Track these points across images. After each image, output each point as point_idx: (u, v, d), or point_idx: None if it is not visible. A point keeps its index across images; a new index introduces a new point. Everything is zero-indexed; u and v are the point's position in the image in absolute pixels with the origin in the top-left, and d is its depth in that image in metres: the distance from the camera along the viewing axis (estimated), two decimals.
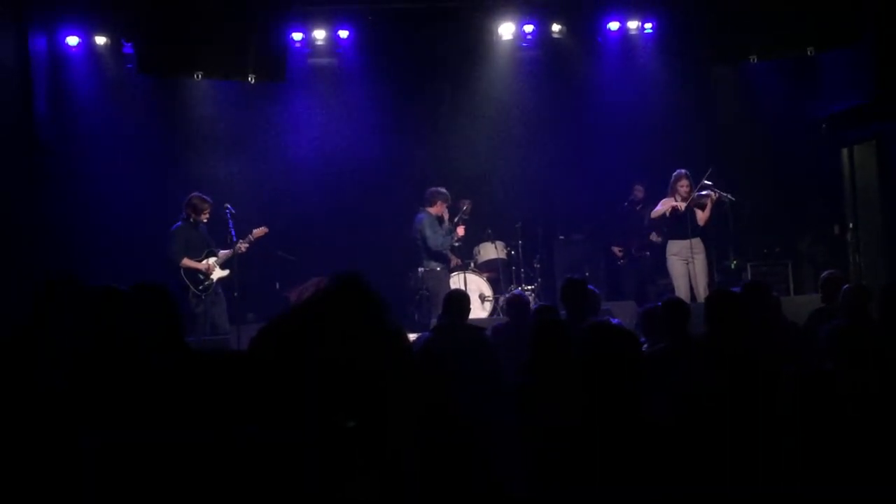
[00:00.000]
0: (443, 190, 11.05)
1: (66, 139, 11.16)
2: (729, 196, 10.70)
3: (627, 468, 3.27)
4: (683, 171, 10.81)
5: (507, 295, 9.10)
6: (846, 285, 6.94)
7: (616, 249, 12.02)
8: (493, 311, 11.06)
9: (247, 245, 10.17)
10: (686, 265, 10.81)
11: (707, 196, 10.69)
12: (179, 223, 10.04)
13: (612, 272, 12.23)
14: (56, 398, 3.61)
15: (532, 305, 8.70)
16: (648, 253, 11.84)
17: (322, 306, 2.12)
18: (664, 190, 11.17)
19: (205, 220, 10.10)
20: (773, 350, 5.48)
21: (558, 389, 4.07)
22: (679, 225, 10.77)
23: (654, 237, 11.60)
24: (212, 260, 10.05)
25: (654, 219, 11.12)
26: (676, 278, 10.92)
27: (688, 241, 10.72)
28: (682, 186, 10.74)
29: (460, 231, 11.10)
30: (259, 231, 10.34)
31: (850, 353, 4.23)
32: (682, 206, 10.72)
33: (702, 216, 10.76)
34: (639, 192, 11.92)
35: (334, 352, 2.04)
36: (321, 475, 2.03)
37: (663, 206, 10.80)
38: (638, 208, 11.90)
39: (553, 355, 4.64)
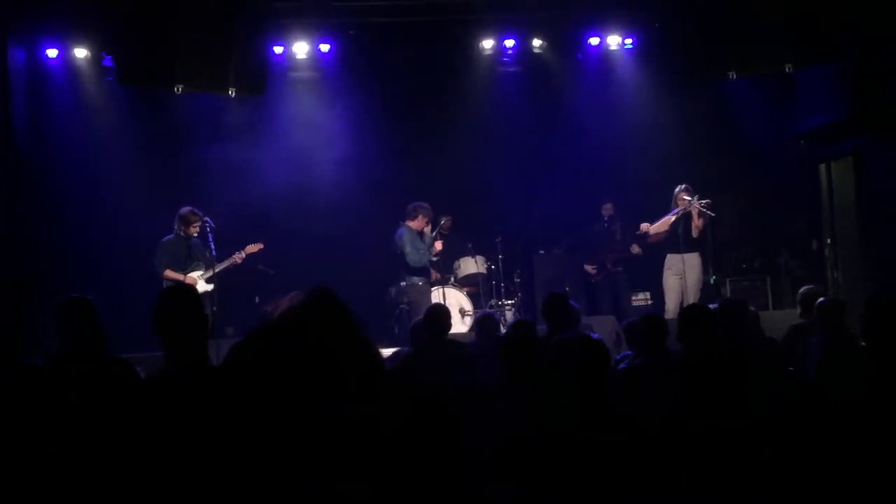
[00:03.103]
0: (425, 204, 11.08)
1: (45, 151, 11.10)
2: (706, 210, 10.79)
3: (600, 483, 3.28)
4: (683, 185, 10.96)
5: (476, 315, 9.15)
6: (821, 299, 6.96)
7: (589, 268, 12.00)
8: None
9: (242, 258, 10.20)
10: (679, 280, 10.89)
11: (689, 203, 10.80)
12: (171, 235, 10.06)
13: (587, 288, 12.25)
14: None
15: (511, 319, 8.72)
16: (621, 269, 11.89)
17: (295, 320, 2.13)
18: (638, 206, 11.29)
19: (194, 234, 10.08)
20: (751, 365, 5.50)
21: (531, 404, 4.06)
22: (673, 239, 10.89)
23: (634, 249, 11.65)
24: (196, 274, 10.02)
25: (657, 235, 11.20)
26: (667, 293, 11.02)
27: (680, 255, 10.82)
28: (681, 200, 10.88)
29: (438, 246, 11.12)
30: (253, 247, 10.36)
31: (836, 366, 4.26)
32: (670, 219, 10.87)
33: (695, 227, 10.84)
34: (607, 209, 11.98)
35: (308, 365, 2.04)
36: (294, 488, 2.03)
37: (661, 226, 10.95)
38: (606, 225, 11.96)
39: (524, 371, 4.60)
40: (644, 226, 11.27)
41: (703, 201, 10.80)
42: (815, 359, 4.35)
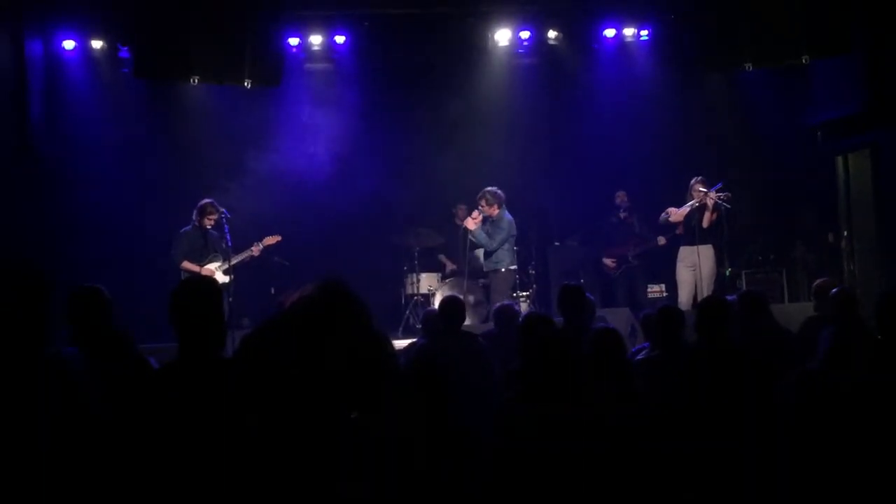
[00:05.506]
0: (490, 189, 10.90)
1: (61, 143, 11.15)
2: (724, 202, 10.73)
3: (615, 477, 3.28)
4: (698, 177, 10.89)
5: (496, 305, 9.15)
6: (834, 289, 6.96)
7: (609, 261, 11.98)
8: (486, 318, 11.05)
9: (259, 250, 10.22)
10: (692, 272, 10.85)
11: (705, 194, 10.73)
12: (188, 227, 10.09)
13: (602, 280, 12.23)
14: None
15: (526, 311, 8.70)
16: (638, 263, 11.86)
17: (302, 313, 2.13)
18: (654, 196, 11.24)
19: (210, 225, 10.09)
20: (767, 357, 5.49)
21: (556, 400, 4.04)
22: (687, 231, 10.85)
23: (661, 241, 11.59)
24: (213, 265, 10.05)
25: (676, 222, 11.13)
26: (680, 285, 10.98)
27: (694, 247, 10.76)
28: (696, 192, 10.83)
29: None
30: (271, 239, 10.37)
31: (847, 357, 4.24)
32: (685, 211, 10.83)
33: (706, 218, 10.79)
34: (621, 197, 11.93)
35: (318, 357, 2.04)
36: (305, 481, 2.03)
37: (677, 217, 10.89)
38: (623, 216, 11.92)
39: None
40: (671, 210, 11.12)
41: (723, 194, 10.72)
42: (823, 349, 4.34)
